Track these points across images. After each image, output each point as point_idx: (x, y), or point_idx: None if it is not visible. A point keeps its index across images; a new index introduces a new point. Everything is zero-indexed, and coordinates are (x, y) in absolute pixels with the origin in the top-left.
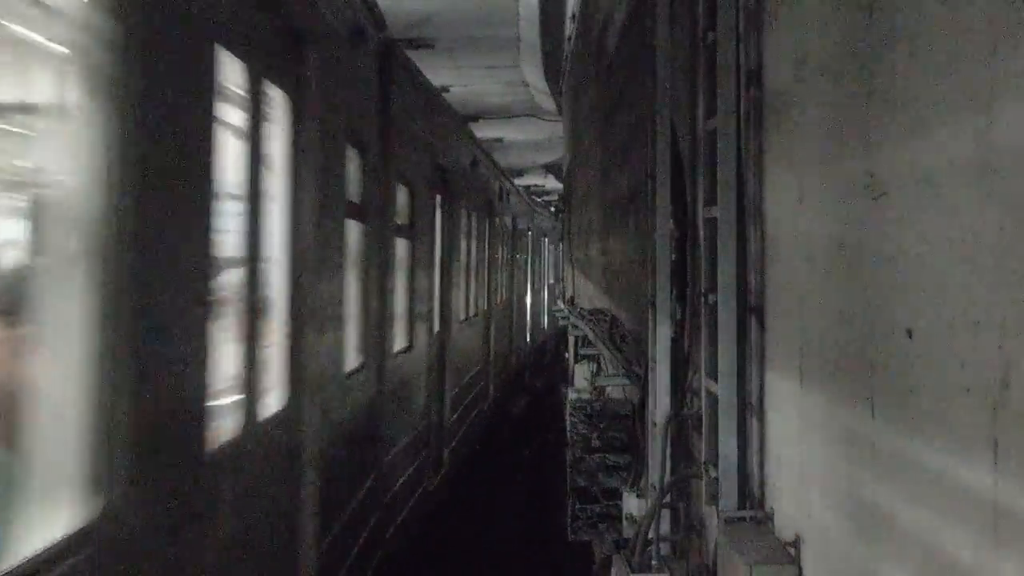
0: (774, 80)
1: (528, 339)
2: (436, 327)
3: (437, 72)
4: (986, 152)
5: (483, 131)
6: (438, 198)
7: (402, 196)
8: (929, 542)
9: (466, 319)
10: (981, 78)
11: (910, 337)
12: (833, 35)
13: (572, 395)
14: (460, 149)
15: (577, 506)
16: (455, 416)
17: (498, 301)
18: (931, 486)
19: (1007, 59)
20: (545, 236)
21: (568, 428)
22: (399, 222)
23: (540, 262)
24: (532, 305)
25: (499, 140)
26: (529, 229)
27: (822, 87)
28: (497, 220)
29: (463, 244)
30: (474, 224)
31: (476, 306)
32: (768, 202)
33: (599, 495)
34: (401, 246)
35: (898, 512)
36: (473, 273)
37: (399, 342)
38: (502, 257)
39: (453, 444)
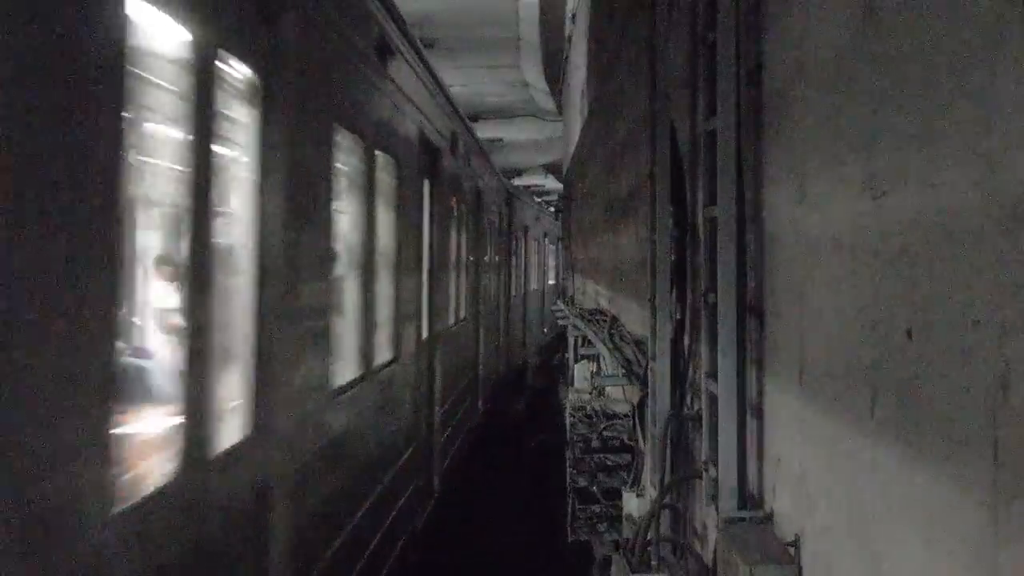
0: (774, 80)
1: (506, 363)
2: (270, 416)
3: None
4: (986, 151)
5: (483, 131)
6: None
7: None
8: (929, 542)
9: (365, 376)
10: (981, 77)
11: (910, 337)
12: (833, 34)
13: (572, 395)
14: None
15: (577, 506)
16: None
17: (457, 319)
18: (931, 486)
19: (1007, 59)
20: (529, 229)
21: (568, 428)
22: None
23: (526, 262)
24: (513, 317)
25: (499, 140)
26: (502, 214)
27: (822, 86)
28: (448, 186)
29: (358, 209)
30: (391, 178)
31: (399, 344)
32: (768, 202)
33: (599, 495)
34: None
35: (897, 512)
36: (391, 275)
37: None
38: (462, 251)
39: None
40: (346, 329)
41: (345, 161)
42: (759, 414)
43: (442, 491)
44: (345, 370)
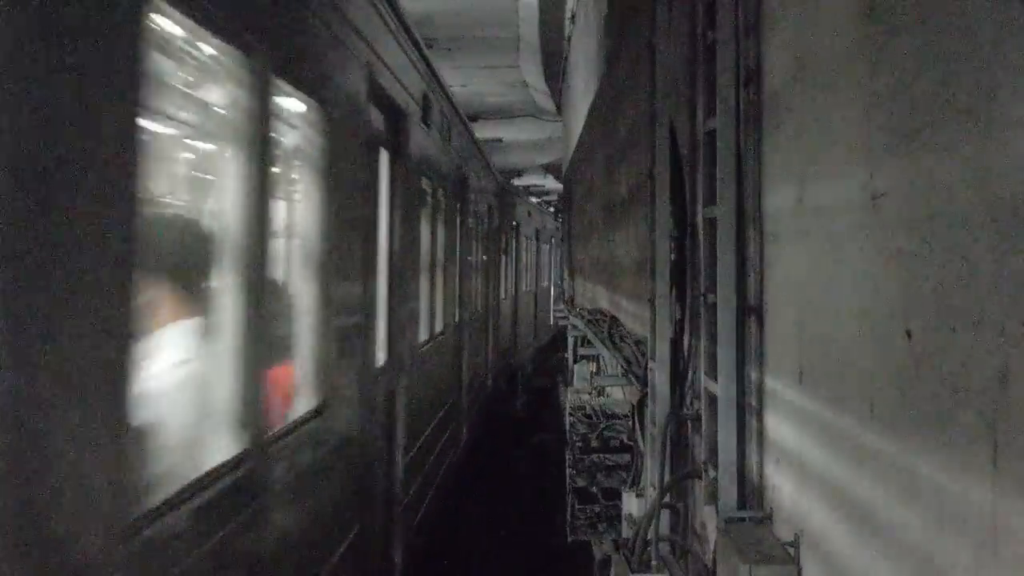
0: (774, 80)
1: (496, 372)
2: None
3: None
4: (984, 152)
5: (483, 131)
6: None
7: None
8: (928, 543)
9: (245, 456)
10: (980, 79)
11: (909, 337)
12: (833, 34)
13: (571, 396)
14: None
15: (577, 506)
16: None
17: (432, 334)
18: (930, 486)
19: (1007, 59)
20: (522, 226)
21: (568, 428)
22: None
23: (519, 262)
24: (503, 323)
25: (499, 140)
26: (492, 207)
27: (821, 86)
28: (418, 164)
29: (241, 172)
30: (314, 132)
31: (329, 385)
32: (768, 202)
33: (599, 495)
34: None
35: (897, 512)
36: (316, 279)
37: None
38: (439, 249)
39: None
40: (209, 374)
41: (205, 85)
42: (759, 414)
43: (406, 567)
44: (193, 455)
